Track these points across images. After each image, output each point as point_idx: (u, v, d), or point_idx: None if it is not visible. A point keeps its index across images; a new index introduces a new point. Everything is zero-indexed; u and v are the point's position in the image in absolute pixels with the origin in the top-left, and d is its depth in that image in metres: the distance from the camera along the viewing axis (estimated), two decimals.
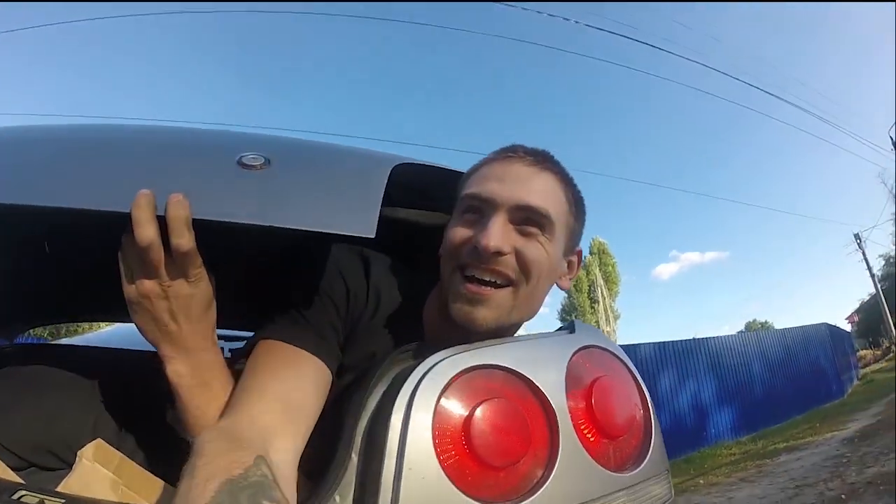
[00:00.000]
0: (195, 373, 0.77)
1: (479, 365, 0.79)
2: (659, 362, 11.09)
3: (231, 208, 0.70)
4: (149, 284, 0.71)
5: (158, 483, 0.88)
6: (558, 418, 0.79)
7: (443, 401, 0.75)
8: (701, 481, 7.29)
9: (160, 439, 0.95)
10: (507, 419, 0.76)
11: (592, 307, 35.47)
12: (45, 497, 0.71)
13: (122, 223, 0.68)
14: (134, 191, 0.66)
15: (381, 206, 0.74)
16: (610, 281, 36.70)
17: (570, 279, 1.01)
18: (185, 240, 0.68)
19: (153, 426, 0.99)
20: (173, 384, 0.77)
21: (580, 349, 0.88)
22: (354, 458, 0.75)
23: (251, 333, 0.94)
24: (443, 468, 0.71)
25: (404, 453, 0.70)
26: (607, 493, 0.81)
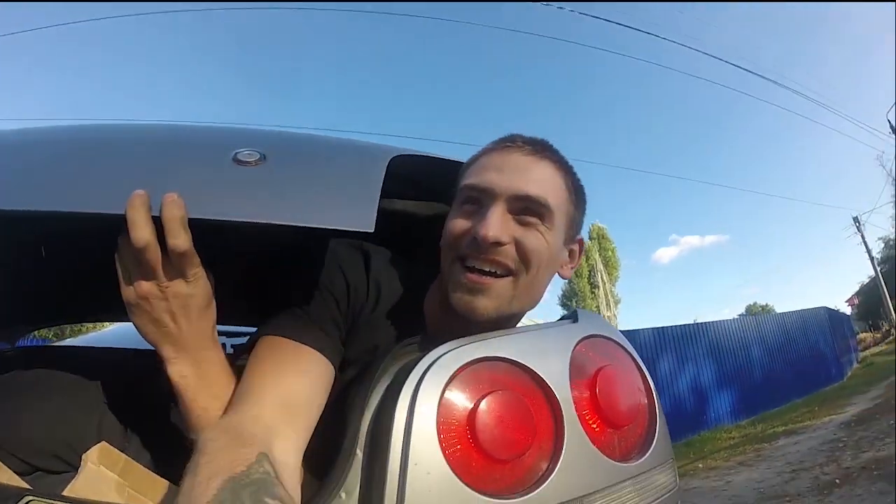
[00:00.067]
0: (197, 372, 0.77)
1: (483, 357, 0.78)
2: (658, 347, 11.17)
3: (227, 207, 0.69)
4: (146, 286, 0.71)
5: (164, 484, 0.88)
6: (563, 409, 0.79)
7: (447, 394, 0.74)
8: (700, 465, 7.35)
9: (165, 439, 0.96)
10: (512, 411, 0.76)
11: (593, 292, 35.44)
12: (51, 502, 0.71)
13: (117, 224, 0.67)
14: (128, 191, 0.65)
15: (380, 199, 0.73)
16: (610, 266, 36.64)
17: (572, 268, 1.00)
18: (181, 240, 0.67)
19: (158, 426, 1.00)
20: (176, 385, 0.76)
21: (584, 339, 0.88)
22: (359, 454, 0.75)
23: (252, 329, 0.94)
24: (448, 462, 0.71)
25: (409, 449, 0.70)
26: (613, 484, 0.81)
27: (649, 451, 0.87)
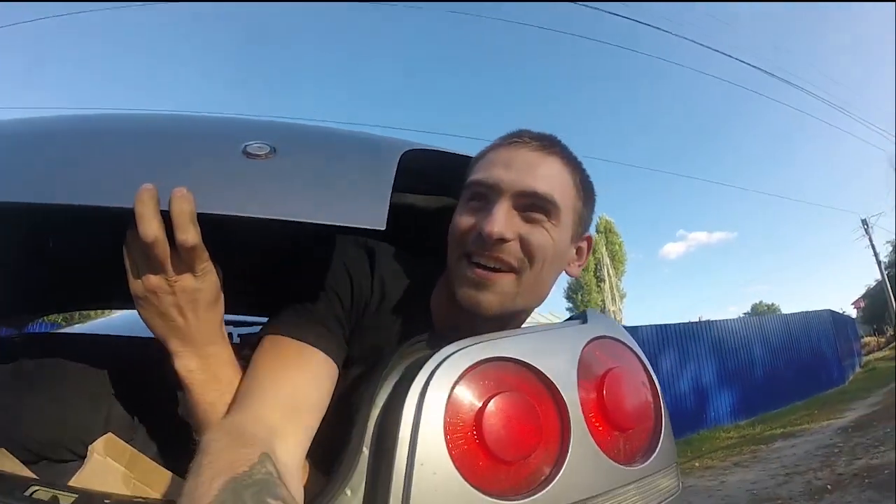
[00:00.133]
0: (204, 367, 0.76)
1: (492, 357, 0.78)
2: (660, 345, 11.24)
3: (237, 202, 0.67)
4: (155, 280, 0.70)
5: (170, 476, 0.89)
6: (570, 411, 0.78)
7: (455, 394, 0.74)
8: (696, 464, 7.41)
9: (172, 431, 0.96)
10: (520, 413, 0.75)
11: (599, 286, 35.41)
12: (57, 492, 0.71)
13: (126, 214, 0.66)
14: (136, 185, 0.64)
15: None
16: (616, 260, 36.54)
17: (580, 266, 0.99)
18: (190, 235, 0.66)
19: (165, 417, 1.00)
20: (183, 379, 0.76)
21: (592, 340, 0.87)
22: (366, 451, 0.75)
23: (259, 318, 0.94)
24: (454, 463, 0.70)
25: (416, 448, 0.70)
26: (616, 487, 0.80)
27: (654, 455, 0.87)
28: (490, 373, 0.77)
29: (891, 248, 36.07)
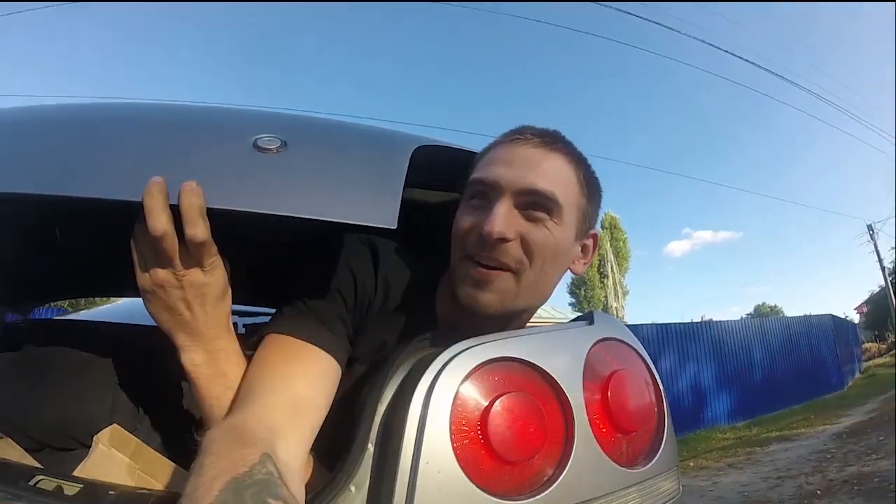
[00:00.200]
0: (211, 361, 0.76)
1: (499, 357, 0.77)
2: (660, 344, 11.25)
3: (247, 197, 0.67)
4: (163, 274, 0.69)
5: (174, 468, 0.89)
6: (574, 413, 0.78)
7: (461, 393, 0.74)
8: (691, 464, 7.45)
9: (176, 422, 0.97)
10: (525, 414, 0.75)
11: (602, 282, 35.40)
12: (62, 482, 0.71)
13: (134, 209, 0.65)
14: (146, 178, 0.63)
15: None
16: (620, 256, 36.52)
17: (585, 264, 0.98)
18: (200, 230, 0.65)
19: (170, 408, 1.01)
20: (189, 373, 0.75)
21: (599, 341, 0.87)
22: (371, 448, 0.75)
23: (264, 308, 0.93)
24: (459, 463, 0.70)
25: (421, 447, 0.69)
26: (618, 489, 0.80)
27: (655, 458, 0.87)
28: (496, 373, 0.77)
29: (895, 254, 35.95)
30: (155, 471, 0.86)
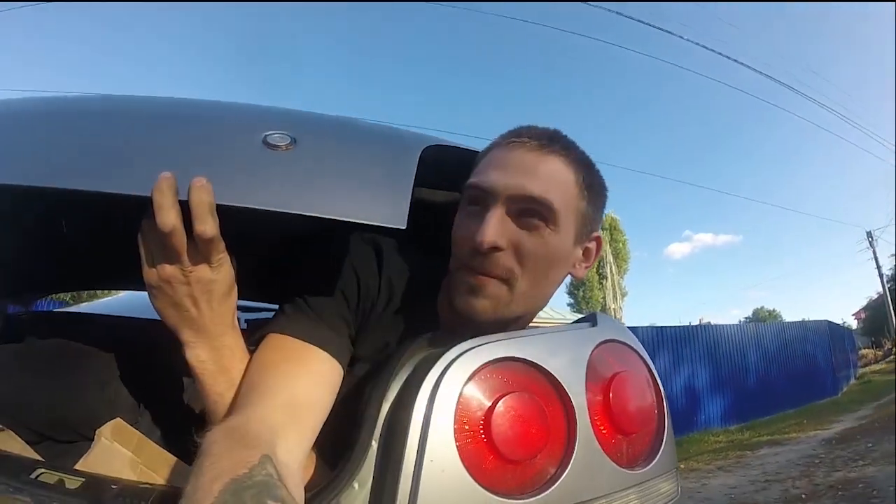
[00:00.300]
0: (216, 358, 0.76)
1: (503, 357, 0.77)
2: (656, 346, 11.26)
3: (256, 194, 0.67)
4: (170, 269, 0.69)
5: (177, 462, 0.89)
6: (576, 413, 0.78)
7: (465, 392, 0.74)
8: (682, 465, 7.47)
9: (177, 416, 0.97)
10: (528, 413, 0.75)
11: (601, 283, 35.41)
12: (63, 475, 0.71)
13: (142, 203, 0.65)
14: (155, 173, 0.63)
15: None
16: (619, 258, 36.53)
17: (587, 267, 0.97)
18: (209, 226, 0.65)
19: (171, 402, 1.01)
20: (194, 369, 0.75)
21: (601, 343, 0.87)
22: (374, 445, 0.74)
23: (267, 304, 0.93)
24: (463, 461, 0.70)
25: (426, 445, 0.69)
26: (618, 490, 0.81)
27: (655, 459, 0.87)
28: (500, 372, 0.77)
29: (894, 261, 36.03)
30: (157, 465, 0.86)
